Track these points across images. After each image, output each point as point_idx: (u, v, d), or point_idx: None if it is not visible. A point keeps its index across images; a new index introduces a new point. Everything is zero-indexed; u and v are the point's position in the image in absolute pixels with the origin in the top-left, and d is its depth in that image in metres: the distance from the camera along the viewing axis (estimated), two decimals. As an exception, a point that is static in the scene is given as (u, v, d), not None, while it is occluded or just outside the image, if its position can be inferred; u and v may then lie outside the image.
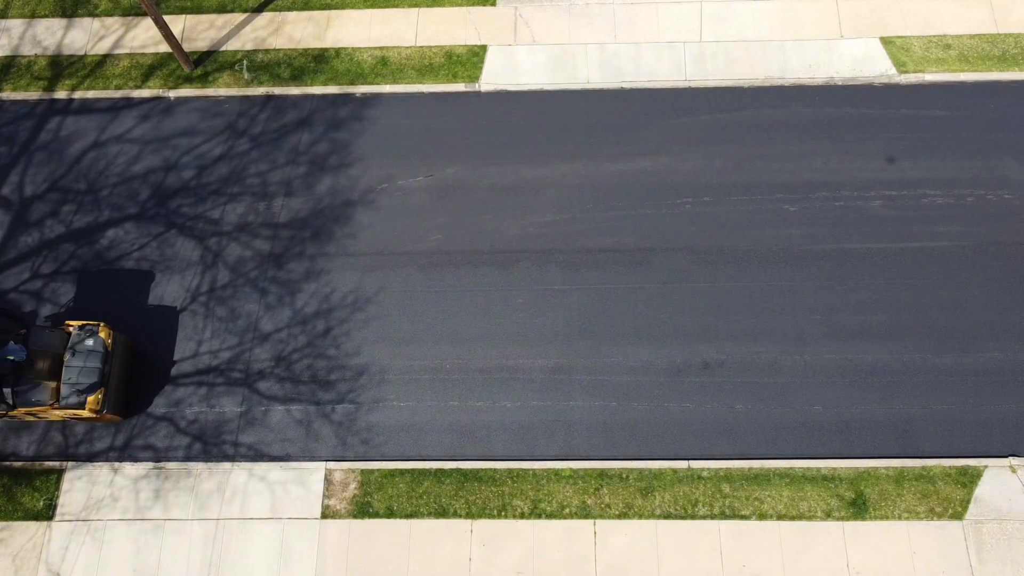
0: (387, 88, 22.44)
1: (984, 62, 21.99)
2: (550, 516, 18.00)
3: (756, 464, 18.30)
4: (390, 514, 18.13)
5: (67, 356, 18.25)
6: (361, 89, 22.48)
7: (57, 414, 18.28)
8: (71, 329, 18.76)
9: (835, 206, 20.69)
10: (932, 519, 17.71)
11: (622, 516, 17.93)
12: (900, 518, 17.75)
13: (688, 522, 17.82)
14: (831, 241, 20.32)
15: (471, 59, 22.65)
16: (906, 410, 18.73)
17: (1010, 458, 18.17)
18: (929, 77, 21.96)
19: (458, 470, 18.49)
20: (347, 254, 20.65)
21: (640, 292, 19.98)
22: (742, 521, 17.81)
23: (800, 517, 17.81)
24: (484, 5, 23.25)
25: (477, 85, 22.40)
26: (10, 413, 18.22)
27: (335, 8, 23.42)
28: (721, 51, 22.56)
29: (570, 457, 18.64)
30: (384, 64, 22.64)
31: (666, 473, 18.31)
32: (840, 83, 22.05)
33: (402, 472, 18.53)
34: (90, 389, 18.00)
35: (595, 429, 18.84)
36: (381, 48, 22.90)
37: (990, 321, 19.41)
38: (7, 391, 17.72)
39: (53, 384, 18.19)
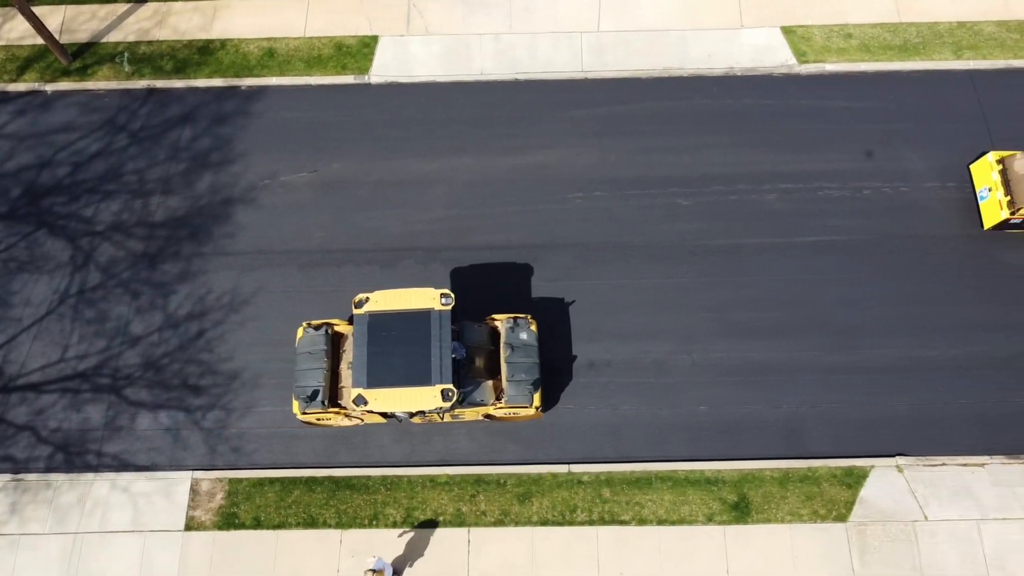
0: (274, 80, 21.59)
1: (885, 52, 21.51)
2: (423, 525, 17.33)
3: (638, 467, 17.71)
4: (257, 525, 17.37)
5: (506, 352, 17.35)
6: (247, 82, 21.63)
7: (498, 413, 17.41)
8: (497, 324, 17.96)
9: (730, 200, 20.14)
10: (816, 521, 17.20)
11: (498, 523, 17.28)
12: (783, 521, 17.24)
13: (566, 528, 17.21)
14: (725, 236, 19.76)
15: (361, 50, 21.86)
16: (794, 410, 18.22)
17: (897, 457, 17.71)
18: (829, 67, 21.44)
19: (330, 478, 17.76)
20: (225, 254, 19.82)
21: (525, 291, 19.36)
22: (622, 527, 17.22)
23: (681, 522, 17.24)
24: (377, -6, 22.52)
25: (367, 77, 21.60)
26: (443, 416, 17.42)
27: (223, -3, 22.60)
28: (620, 41, 21.92)
29: (448, 463, 17.97)
30: (271, 56, 21.80)
31: (545, 478, 17.68)
32: (740, 74, 21.48)
33: (272, 481, 17.76)
34: (535, 385, 17.16)
35: (475, 433, 18.17)
36: (269, 39, 22.03)
37: (883, 317, 18.93)
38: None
39: (490, 382, 17.31)
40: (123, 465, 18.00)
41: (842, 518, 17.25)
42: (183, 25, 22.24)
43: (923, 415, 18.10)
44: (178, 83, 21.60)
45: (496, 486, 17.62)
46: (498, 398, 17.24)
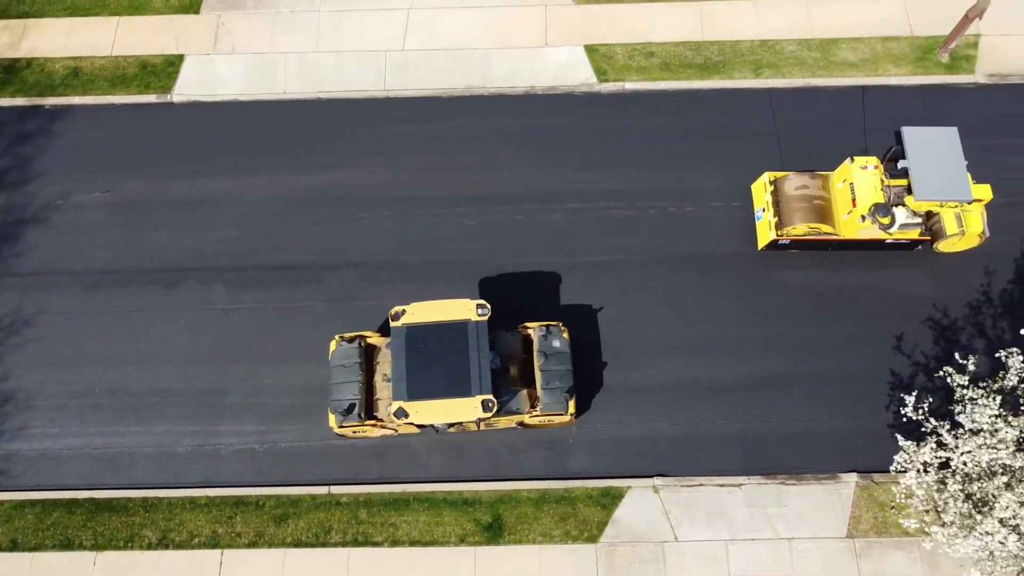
0: (77, 100, 21.64)
1: (685, 70, 21.61)
2: (178, 547, 17.43)
3: (398, 488, 17.83)
4: (13, 547, 17.46)
5: (539, 359, 17.42)
6: (50, 101, 21.67)
7: (532, 421, 17.55)
8: (529, 331, 18.06)
9: (516, 220, 20.23)
10: (567, 542, 17.34)
11: (251, 545, 17.40)
12: (534, 542, 17.36)
13: (318, 550, 17.33)
14: (507, 256, 19.84)
15: (166, 69, 21.92)
16: (559, 430, 18.38)
17: (655, 478, 17.88)
18: (629, 86, 21.54)
19: (91, 500, 17.86)
20: (10, 274, 19.87)
21: (306, 311, 19.39)
22: (374, 548, 17.34)
23: (434, 543, 17.37)
24: (188, 13, 22.52)
25: (169, 96, 21.65)
26: (480, 425, 17.50)
27: (34, 16, 22.57)
28: (424, 59, 22.00)
29: (210, 484, 18.09)
30: (75, 75, 21.84)
31: (304, 499, 17.80)
32: (541, 92, 21.57)
33: (33, 503, 17.86)
34: (570, 392, 17.27)
35: (241, 455, 18.28)
36: (75, 58, 22.09)
37: (656, 337, 19.01)
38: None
39: (525, 390, 17.41)
40: None
41: (593, 539, 17.40)
42: (-9, 43, 22.34)
43: (686, 435, 18.25)
44: (-19, 102, 21.73)
45: (255, 507, 17.75)
46: (533, 406, 17.42)
